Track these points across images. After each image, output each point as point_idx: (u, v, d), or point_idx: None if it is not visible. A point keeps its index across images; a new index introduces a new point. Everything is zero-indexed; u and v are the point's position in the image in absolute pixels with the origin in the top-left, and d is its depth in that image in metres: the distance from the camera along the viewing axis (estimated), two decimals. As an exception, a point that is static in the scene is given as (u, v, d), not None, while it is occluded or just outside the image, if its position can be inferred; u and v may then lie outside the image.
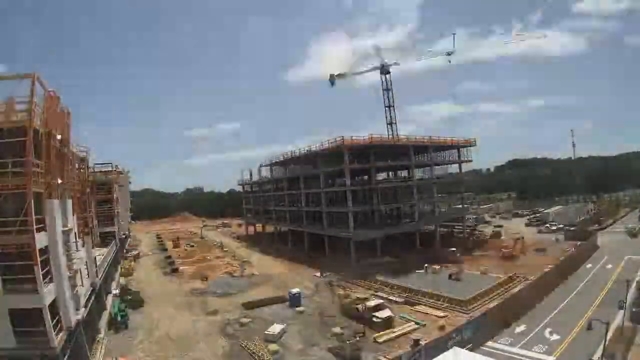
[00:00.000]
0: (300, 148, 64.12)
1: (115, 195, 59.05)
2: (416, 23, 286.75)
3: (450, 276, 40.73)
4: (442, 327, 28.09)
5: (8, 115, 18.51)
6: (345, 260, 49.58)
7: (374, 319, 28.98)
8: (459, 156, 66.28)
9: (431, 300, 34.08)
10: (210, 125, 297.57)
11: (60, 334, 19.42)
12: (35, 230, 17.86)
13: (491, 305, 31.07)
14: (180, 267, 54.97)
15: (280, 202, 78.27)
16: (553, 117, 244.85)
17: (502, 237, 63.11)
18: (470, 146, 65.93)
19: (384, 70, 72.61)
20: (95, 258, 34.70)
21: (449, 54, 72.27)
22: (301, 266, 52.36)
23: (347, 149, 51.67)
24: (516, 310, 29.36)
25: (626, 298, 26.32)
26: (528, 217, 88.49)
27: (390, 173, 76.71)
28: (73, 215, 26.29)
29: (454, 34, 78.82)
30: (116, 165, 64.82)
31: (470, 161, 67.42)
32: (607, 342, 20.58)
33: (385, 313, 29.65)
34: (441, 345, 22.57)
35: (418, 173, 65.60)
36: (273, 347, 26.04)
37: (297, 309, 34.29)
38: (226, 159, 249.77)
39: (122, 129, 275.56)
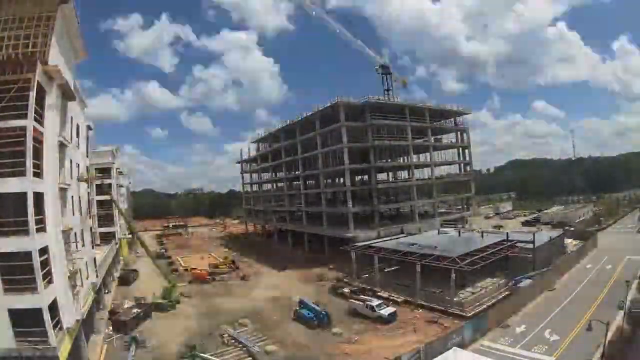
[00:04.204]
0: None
1: (115, 195, 59.06)
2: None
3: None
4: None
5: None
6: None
7: None
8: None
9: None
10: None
11: (60, 334, 19.43)
12: (35, 231, 17.92)
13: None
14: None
15: (280, 200, 78.40)
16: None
17: None
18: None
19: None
20: (94, 258, 34.75)
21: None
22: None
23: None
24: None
25: (626, 298, 26.36)
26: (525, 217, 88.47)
27: (390, 174, 76.83)
28: (74, 215, 26.34)
29: None
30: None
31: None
32: (606, 343, 20.60)
33: None
34: (441, 345, 22.65)
35: (418, 173, 65.42)
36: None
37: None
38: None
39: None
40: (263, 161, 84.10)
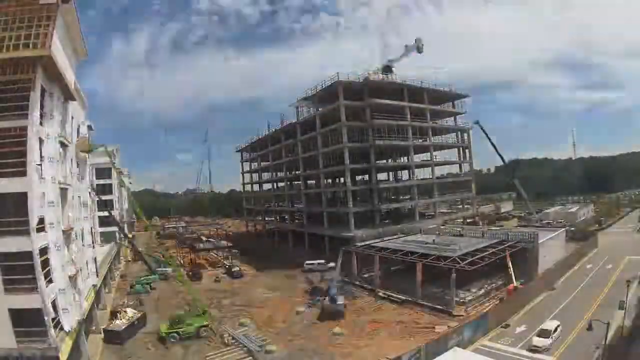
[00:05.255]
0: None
1: (115, 195, 59.20)
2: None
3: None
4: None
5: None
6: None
7: None
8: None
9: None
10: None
11: (61, 334, 19.44)
12: (35, 231, 17.94)
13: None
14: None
15: (281, 200, 78.52)
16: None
17: None
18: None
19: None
20: (95, 258, 34.79)
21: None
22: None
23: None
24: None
25: (626, 299, 26.29)
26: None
27: (391, 175, 76.93)
28: (74, 215, 26.35)
29: None
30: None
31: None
32: (607, 342, 20.60)
33: None
34: (441, 345, 22.65)
35: (418, 172, 65.35)
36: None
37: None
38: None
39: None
40: (263, 160, 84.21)
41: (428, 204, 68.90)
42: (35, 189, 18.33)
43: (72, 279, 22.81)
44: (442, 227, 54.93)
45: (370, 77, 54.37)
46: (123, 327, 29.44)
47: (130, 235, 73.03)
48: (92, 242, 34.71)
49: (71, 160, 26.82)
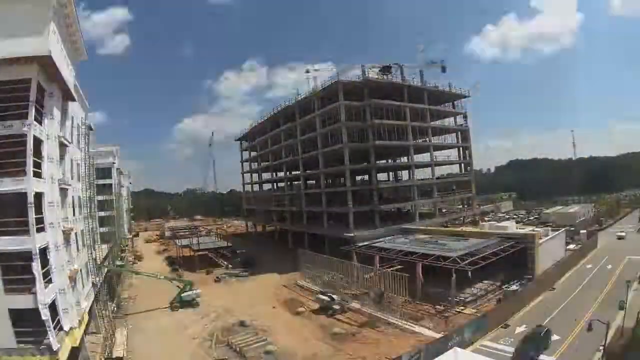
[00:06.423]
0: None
1: (114, 195, 59.18)
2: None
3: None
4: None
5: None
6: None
7: None
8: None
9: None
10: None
11: (60, 334, 19.43)
12: (35, 231, 17.93)
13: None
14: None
15: (281, 200, 78.58)
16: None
17: None
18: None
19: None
20: (95, 258, 34.71)
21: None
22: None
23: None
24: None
25: (626, 299, 26.29)
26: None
27: (391, 175, 76.89)
28: (74, 215, 26.36)
29: None
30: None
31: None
32: (607, 343, 20.59)
33: None
34: (441, 345, 22.64)
35: (419, 173, 65.29)
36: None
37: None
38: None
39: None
40: (264, 160, 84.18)
41: (428, 204, 68.86)
42: (35, 189, 18.31)
43: (72, 279, 22.80)
44: (442, 227, 55.01)
45: (370, 77, 54.40)
46: None
47: (130, 236, 73.03)
48: (92, 242, 34.65)
49: (71, 160, 26.81)
